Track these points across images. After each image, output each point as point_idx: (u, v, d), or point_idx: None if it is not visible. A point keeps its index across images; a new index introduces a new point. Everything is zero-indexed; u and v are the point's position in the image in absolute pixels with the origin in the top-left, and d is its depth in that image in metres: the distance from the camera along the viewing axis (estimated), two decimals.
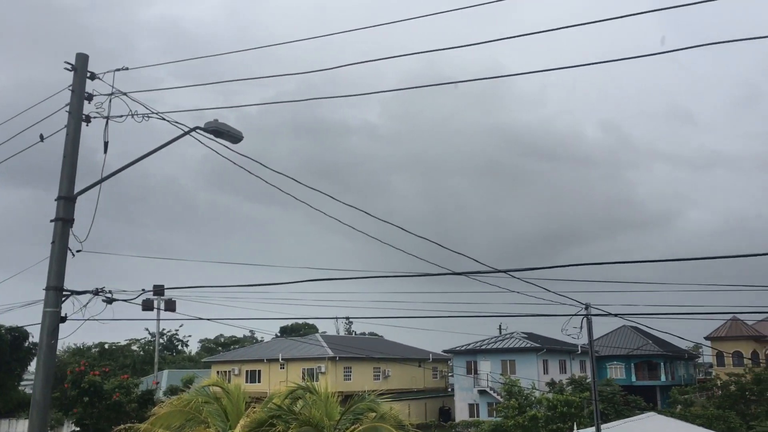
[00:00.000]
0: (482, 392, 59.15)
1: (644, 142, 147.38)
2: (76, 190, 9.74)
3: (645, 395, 62.13)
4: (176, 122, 9.88)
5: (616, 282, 17.62)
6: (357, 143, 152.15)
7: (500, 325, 73.72)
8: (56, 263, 9.46)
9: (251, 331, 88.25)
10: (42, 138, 9.87)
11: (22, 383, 58.90)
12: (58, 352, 11.95)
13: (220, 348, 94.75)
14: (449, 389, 68.06)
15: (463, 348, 62.30)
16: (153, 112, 9.79)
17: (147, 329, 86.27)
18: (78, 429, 38.13)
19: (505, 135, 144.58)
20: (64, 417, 42.24)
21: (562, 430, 41.44)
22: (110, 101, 9.83)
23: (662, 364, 71.83)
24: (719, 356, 74.44)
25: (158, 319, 42.54)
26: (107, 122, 9.78)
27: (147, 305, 35.05)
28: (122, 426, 21.08)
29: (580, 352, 61.21)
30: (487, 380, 58.78)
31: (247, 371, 60.79)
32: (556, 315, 18.84)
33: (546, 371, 59.53)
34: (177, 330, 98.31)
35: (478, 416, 58.59)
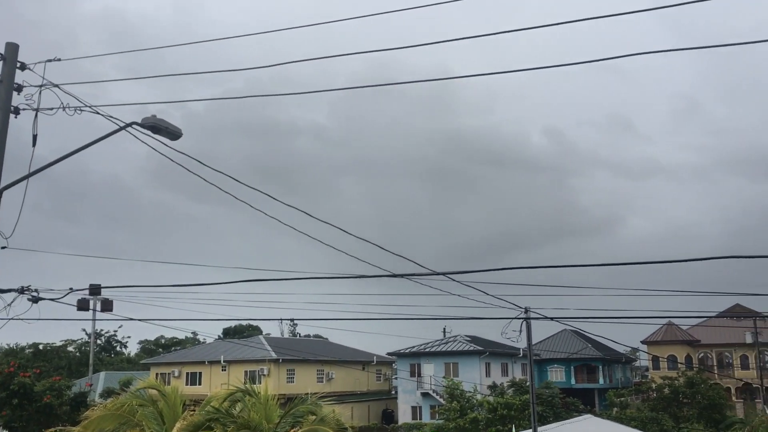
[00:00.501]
0: (425, 395, 59.48)
1: (587, 150, 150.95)
2: (3, 184, 9.35)
3: (584, 398, 63.54)
4: (111, 117, 9.60)
5: (555, 286, 17.91)
6: (304, 144, 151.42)
7: (444, 329, 74.45)
8: None
9: (193, 332, 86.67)
10: None
11: None
12: None
13: (160, 350, 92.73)
14: (393, 392, 68.22)
15: (407, 351, 62.54)
16: (86, 106, 9.47)
17: (84, 330, 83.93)
18: None
19: (453, 140, 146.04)
20: None
21: None
22: (40, 93, 9.48)
23: (601, 367, 73.55)
24: (655, 360, 76.65)
25: (93, 320, 41.35)
26: (36, 114, 9.42)
27: (82, 305, 34.08)
28: (53, 429, 20.38)
29: (521, 355, 62.16)
30: (430, 383, 59.15)
31: (187, 373, 59.68)
32: (495, 318, 19.05)
33: (488, 374, 60.23)
34: (116, 331, 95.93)
35: (420, 419, 58.88)
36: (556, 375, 73.16)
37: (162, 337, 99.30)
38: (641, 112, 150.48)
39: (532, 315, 23.41)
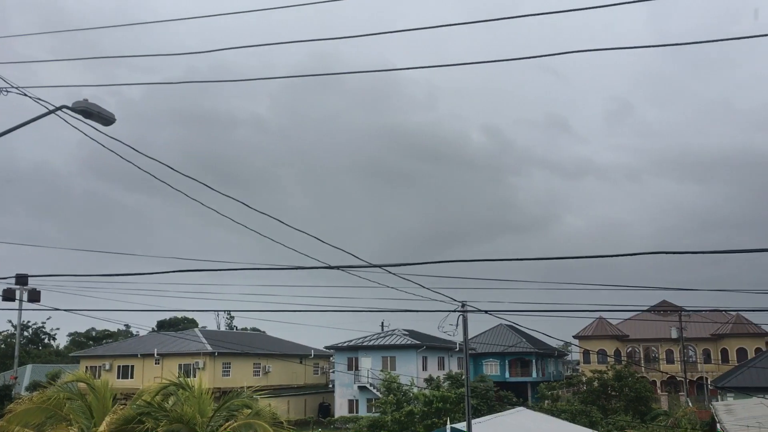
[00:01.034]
0: (362, 388, 59.66)
1: (525, 149, 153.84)
2: None
3: (517, 391, 64.84)
4: (39, 99, 9.23)
5: (491, 280, 18.22)
6: (244, 135, 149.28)
7: (383, 322, 74.73)
8: None
9: (126, 324, 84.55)
10: None
11: None
12: None
13: (91, 342, 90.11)
14: (330, 385, 68.18)
15: (345, 344, 62.57)
16: (12, 87, 9.09)
17: (10, 321, 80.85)
18: None
19: (394, 135, 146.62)
20: None
21: (436, 424, 42.42)
22: None
23: (534, 361, 75.25)
24: (586, 354, 78.91)
25: (20, 310, 39.87)
26: None
27: (8, 295, 32.82)
28: None
29: (458, 349, 62.97)
30: (368, 376, 59.34)
31: (119, 367, 58.27)
32: (432, 311, 19.24)
33: (425, 368, 60.81)
34: (44, 323, 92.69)
35: (357, 412, 59.01)
36: (491, 368, 74.48)
37: (93, 329, 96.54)
38: (577, 112, 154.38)
39: (469, 309, 23.74)
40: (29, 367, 67.31)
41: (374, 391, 57.28)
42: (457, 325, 23.66)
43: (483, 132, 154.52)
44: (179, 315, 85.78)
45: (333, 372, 67.25)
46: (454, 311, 22.99)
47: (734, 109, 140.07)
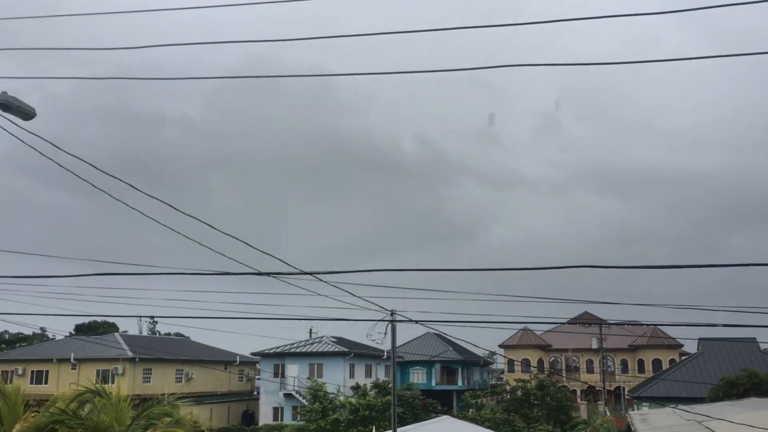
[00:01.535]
0: (288, 396, 59.01)
1: (455, 159, 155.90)
2: None
3: (443, 399, 65.46)
4: None
5: (420, 289, 18.33)
6: (173, 136, 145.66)
7: (311, 329, 74.17)
8: None
9: (42, 328, 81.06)
10: None
11: None
12: None
13: (3, 345, 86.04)
14: (255, 392, 67.15)
15: (271, 351, 61.79)
16: None
17: None
18: None
19: (328, 141, 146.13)
20: None
21: None
22: None
23: (460, 369, 76.17)
24: (510, 363, 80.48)
25: None
26: None
27: None
28: None
29: (385, 357, 63.14)
30: (294, 384, 58.76)
31: (32, 371, 55.77)
32: (361, 320, 19.18)
33: (352, 375, 60.66)
34: None
35: (282, 420, 58.32)
36: (418, 377, 74.96)
37: (6, 332, 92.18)
38: (506, 125, 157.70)
39: (398, 317, 23.82)
40: None
41: (300, 398, 56.75)
42: (385, 333, 23.71)
43: (415, 141, 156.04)
44: (99, 319, 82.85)
45: (259, 379, 66.28)
46: (383, 320, 23.03)
47: (653, 129, 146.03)
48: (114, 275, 11.25)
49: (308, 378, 55.88)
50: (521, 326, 79.67)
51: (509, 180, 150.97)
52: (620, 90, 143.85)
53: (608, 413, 56.22)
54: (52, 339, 72.26)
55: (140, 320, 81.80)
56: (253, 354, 64.96)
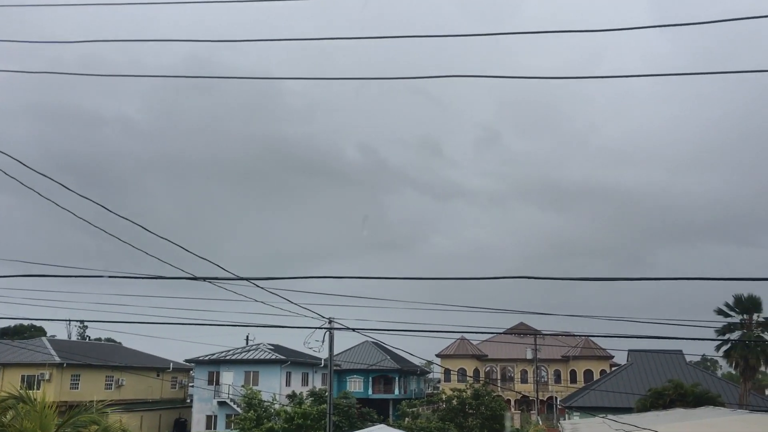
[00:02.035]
0: (222, 404, 57.98)
1: (398, 168, 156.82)
2: None
3: (379, 408, 65.48)
4: None
5: (359, 297, 18.28)
6: (110, 136, 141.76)
7: (248, 336, 73.12)
8: None
9: None
10: None
11: None
12: None
13: None
14: (188, 400, 65.74)
15: (206, 358, 60.64)
16: None
17: None
18: None
19: (270, 146, 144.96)
20: None
21: None
22: None
23: (397, 378, 76.37)
24: (447, 372, 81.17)
25: None
26: None
27: None
28: None
29: (323, 365, 62.75)
30: (228, 392, 57.80)
31: None
32: (299, 327, 19.01)
33: (289, 383, 60.08)
34: None
35: (215, 428, 57.26)
36: (355, 385, 74.78)
37: None
38: (449, 136, 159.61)
39: (336, 325, 23.72)
40: None
41: (234, 406, 55.83)
42: (323, 341, 23.57)
43: (358, 148, 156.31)
44: (25, 322, 79.72)
45: (192, 386, 64.93)
46: (321, 327, 22.89)
47: (591, 144, 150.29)
48: (42, 277, 10.84)
49: (243, 386, 55.04)
50: (458, 336, 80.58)
51: (450, 191, 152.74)
52: (560, 105, 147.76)
53: (540, 422, 57.31)
54: None
55: (69, 324, 79.23)
56: (187, 361, 63.62)
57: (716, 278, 10.03)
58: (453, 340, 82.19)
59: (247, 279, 10.63)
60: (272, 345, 64.16)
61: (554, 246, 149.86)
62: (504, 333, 72.81)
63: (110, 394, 53.05)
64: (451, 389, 60.59)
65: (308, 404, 48.83)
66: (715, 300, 45.24)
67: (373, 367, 75.17)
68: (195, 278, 10.78)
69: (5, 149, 9.51)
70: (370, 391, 74.84)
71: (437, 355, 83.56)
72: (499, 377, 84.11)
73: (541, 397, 71.76)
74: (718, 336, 40.07)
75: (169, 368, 64.98)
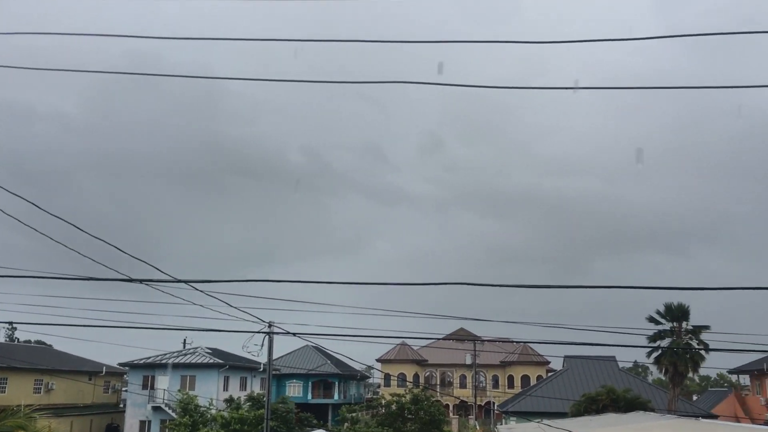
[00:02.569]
0: (157, 408, 56.68)
1: (342, 172, 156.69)
2: None
3: (319, 413, 65.05)
4: None
5: (300, 302, 18.16)
6: (44, 132, 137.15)
7: (185, 340, 71.69)
8: None
9: None
10: None
11: None
12: None
13: None
14: (121, 405, 64.02)
15: (141, 362, 59.19)
16: None
17: None
18: None
19: (213, 146, 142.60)
20: None
21: None
22: None
23: (337, 383, 76.11)
24: (387, 377, 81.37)
25: None
26: None
27: None
28: None
29: (262, 369, 62.03)
30: (164, 396, 56.53)
31: None
32: (238, 331, 18.76)
33: (226, 388, 59.19)
34: None
35: None
36: (294, 390, 74.22)
37: None
38: (393, 142, 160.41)
39: (276, 329, 23.48)
40: None
41: (170, 411, 54.65)
42: (262, 345, 23.30)
43: (302, 152, 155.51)
44: None
45: (125, 391, 63.28)
46: (261, 332, 22.63)
47: (531, 153, 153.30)
48: None
49: (179, 390, 53.94)
50: (399, 341, 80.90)
51: (394, 196, 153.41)
52: (503, 113, 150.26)
53: (478, 427, 58.01)
54: None
55: None
56: (121, 364, 61.98)
57: (648, 287, 10.35)
58: (393, 345, 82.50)
59: (184, 281, 10.41)
60: (210, 349, 63.10)
61: (494, 253, 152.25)
62: (444, 338, 73.39)
63: (39, 398, 51.25)
64: (391, 394, 60.66)
65: (246, 409, 48.18)
66: (647, 308, 46.71)
67: (313, 372, 74.74)
68: (131, 280, 10.51)
69: None
70: (309, 396, 74.36)
71: (378, 360, 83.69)
72: (438, 382, 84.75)
73: (479, 402, 72.62)
74: (650, 343, 41.40)
75: (101, 372, 63.16)
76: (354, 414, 56.83)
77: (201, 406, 47.73)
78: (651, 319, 41.72)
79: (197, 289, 11.74)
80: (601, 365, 50.80)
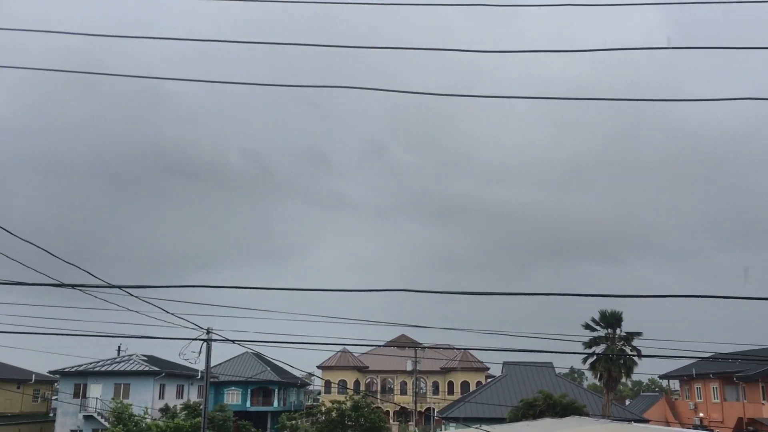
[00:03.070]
0: (89, 417, 54.87)
1: (284, 177, 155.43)
2: None
3: (257, 421, 64.21)
4: None
5: (239, 308, 17.87)
6: None
7: (119, 347, 69.70)
8: None
9: None
10: None
11: None
12: None
13: None
14: (51, 414, 61.75)
15: (73, 369, 57.23)
16: None
17: None
18: None
19: (151, 148, 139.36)
20: None
21: None
22: None
23: (277, 390, 75.26)
24: (327, 384, 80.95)
25: None
26: None
27: None
28: None
29: (199, 377, 60.84)
30: (96, 405, 54.80)
31: None
32: (175, 338, 18.31)
33: (162, 396, 57.81)
34: None
35: None
36: (233, 398, 73.06)
37: None
38: (336, 148, 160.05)
39: (214, 336, 23.06)
40: None
41: (102, 421, 53.01)
42: (200, 352, 22.83)
43: (242, 156, 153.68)
44: None
45: (56, 399, 61.08)
46: (198, 338, 22.16)
47: (473, 162, 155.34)
48: None
49: (113, 399, 52.40)
50: (340, 348, 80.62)
51: (336, 202, 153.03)
52: (446, 121, 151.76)
53: None
54: None
55: None
56: (51, 372, 59.81)
57: (584, 294, 10.56)
58: (334, 352, 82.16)
59: (119, 286, 10.09)
60: (146, 356, 61.51)
61: (436, 259, 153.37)
62: (385, 345, 73.53)
63: None
64: (331, 401, 60.38)
65: (182, 418, 47.18)
66: (583, 315, 47.79)
67: (252, 379, 73.73)
68: (62, 285, 10.13)
69: None
70: (248, 404, 73.31)
71: (318, 367, 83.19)
72: (379, 389, 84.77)
73: (419, 409, 72.89)
74: (585, 349, 42.36)
75: (30, 380, 60.83)
76: (294, 421, 56.35)
77: (135, 415, 46.46)
78: (587, 326, 42.75)
79: (132, 295, 11.41)
80: (539, 371, 51.70)
